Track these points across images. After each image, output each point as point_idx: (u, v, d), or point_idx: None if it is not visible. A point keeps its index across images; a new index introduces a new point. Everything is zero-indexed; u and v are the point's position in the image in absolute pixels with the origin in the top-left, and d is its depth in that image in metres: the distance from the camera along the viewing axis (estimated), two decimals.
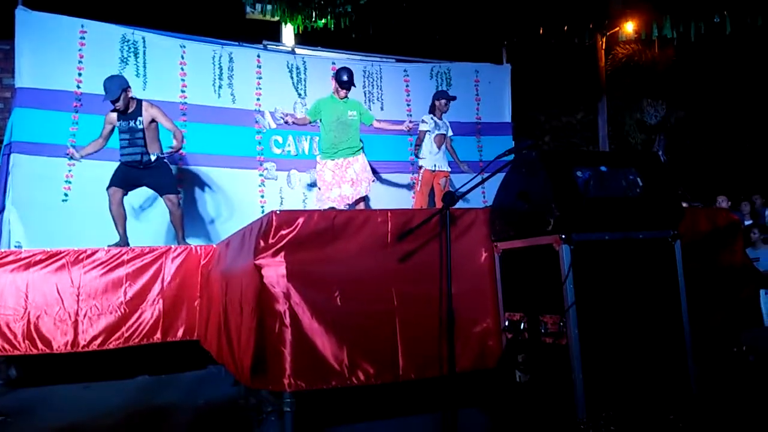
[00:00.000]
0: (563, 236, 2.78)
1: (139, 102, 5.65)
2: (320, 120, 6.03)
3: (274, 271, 2.98)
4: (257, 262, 2.99)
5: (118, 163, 5.74)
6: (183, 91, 7.16)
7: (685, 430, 2.80)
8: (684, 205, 7.18)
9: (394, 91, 7.97)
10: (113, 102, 5.47)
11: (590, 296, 2.80)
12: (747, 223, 8.87)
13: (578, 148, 11.05)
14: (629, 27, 8.87)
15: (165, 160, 5.74)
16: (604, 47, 10.12)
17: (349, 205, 5.89)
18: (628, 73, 10.81)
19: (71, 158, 5.89)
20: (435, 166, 6.48)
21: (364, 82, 7.97)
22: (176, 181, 6.31)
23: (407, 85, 8.16)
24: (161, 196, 5.76)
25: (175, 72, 7.17)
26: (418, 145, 6.63)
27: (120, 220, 5.57)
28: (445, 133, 6.59)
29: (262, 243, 3.02)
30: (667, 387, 2.87)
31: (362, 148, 6.17)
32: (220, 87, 7.30)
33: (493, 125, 8.38)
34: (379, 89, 7.95)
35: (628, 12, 8.89)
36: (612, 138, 10.99)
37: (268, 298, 2.96)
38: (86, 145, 5.77)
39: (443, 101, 6.61)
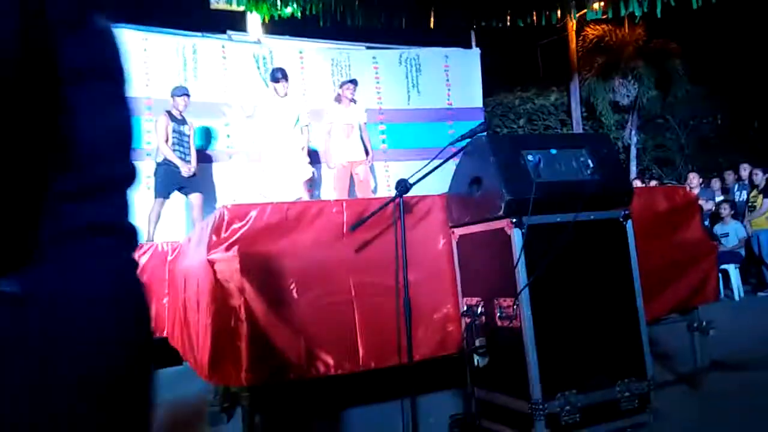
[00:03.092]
0: (514, 220, 2.78)
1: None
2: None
3: (228, 266, 2.95)
4: (210, 257, 2.96)
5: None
6: (147, 86, 7.05)
7: (640, 410, 2.84)
8: (653, 184, 7.25)
9: (364, 79, 7.90)
10: (182, 97, 6.08)
11: (544, 277, 2.80)
12: (718, 199, 8.97)
13: (553, 131, 11.10)
14: (597, 6, 8.85)
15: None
16: (574, 28, 10.13)
17: None
18: (599, 53, 10.82)
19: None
20: (344, 157, 6.44)
21: (332, 70, 7.92)
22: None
23: (377, 72, 8.10)
24: (188, 195, 6.13)
25: (138, 65, 7.05)
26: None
27: (154, 223, 5.95)
28: (351, 123, 6.52)
29: (214, 238, 2.99)
30: (622, 367, 2.90)
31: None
32: (185, 80, 7.19)
33: (465, 110, 8.36)
34: (348, 77, 7.88)
35: None
36: (586, 119, 11.04)
37: (222, 294, 2.93)
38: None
39: (344, 87, 6.62)
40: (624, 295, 2.96)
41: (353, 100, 6.66)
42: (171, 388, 4.50)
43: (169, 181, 6.04)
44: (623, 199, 3.03)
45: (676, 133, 11.26)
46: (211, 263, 2.96)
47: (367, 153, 6.70)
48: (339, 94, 6.75)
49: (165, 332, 4.82)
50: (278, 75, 6.20)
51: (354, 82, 6.72)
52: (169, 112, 6.10)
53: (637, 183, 7.84)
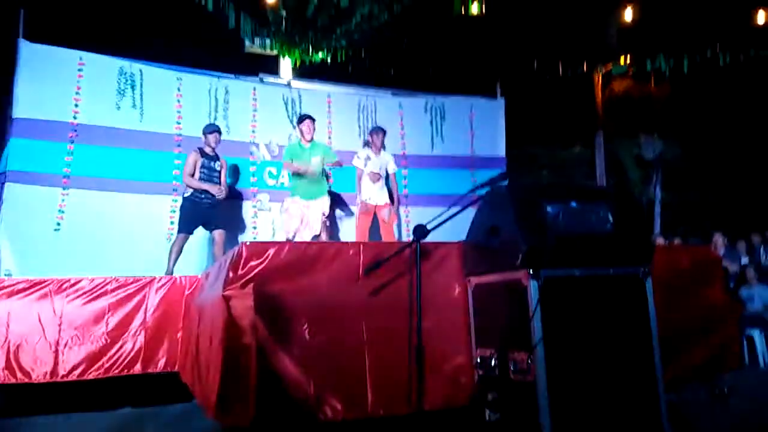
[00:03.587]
0: (531, 272, 2.75)
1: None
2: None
3: (242, 303, 2.96)
4: (225, 293, 2.98)
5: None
6: (179, 123, 7.24)
7: None
8: (677, 242, 7.14)
9: (389, 125, 8.00)
10: (213, 134, 6.21)
11: (560, 332, 2.75)
12: (744, 261, 8.77)
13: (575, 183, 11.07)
14: (624, 61, 8.94)
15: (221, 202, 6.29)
16: (600, 82, 10.21)
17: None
18: (624, 108, 10.86)
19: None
20: (370, 198, 6.54)
21: (359, 115, 8.05)
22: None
23: (401, 119, 8.22)
24: (212, 231, 6.16)
25: (171, 104, 7.26)
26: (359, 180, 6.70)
27: (174, 257, 5.95)
28: (378, 171, 6.61)
29: (231, 274, 3.01)
30: (639, 425, 2.80)
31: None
32: (215, 119, 7.36)
33: (487, 159, 8.39)
34: (373, 122, 8.00)
35: (622, 46, 8.98)
36: (610, 173, 11.00)
37: (235, 331, 2.93)
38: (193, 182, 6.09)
39: (374, 135, 6.76)
40: (642, 354, 2.88)
41: (383, 147, 6.78)
42: (177, 426, 4.47)
43: (193, 216, 6.09)
44: (644, 255, 2.98)
45: (701, 190, 11.15)
46: (226, 299, 2.98)
47: (392, 200, 6.79)
48: (368, 140, 6.88)
49: (176, 366, 4.82)
50: (303, 118, 6.36)
51: (383, 130, 6.84)
52: (200, 149, 6.24)
53: (660, 240, 7.71)
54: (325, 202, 6.29)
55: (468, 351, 3.24)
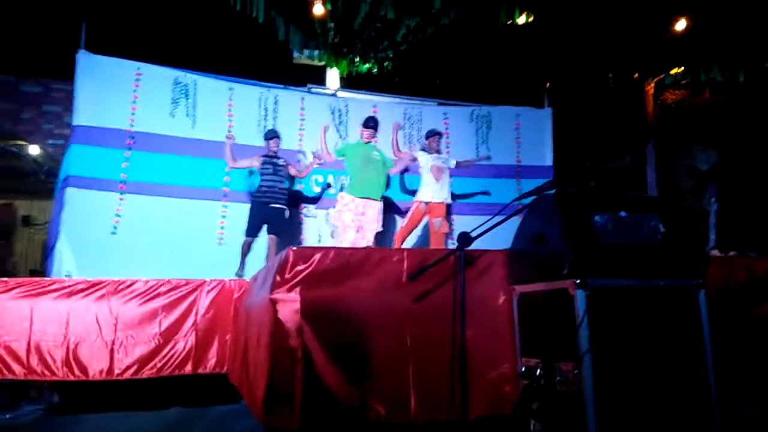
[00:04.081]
0: (578, 281, 2.72)
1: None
2: (346, 161, 6.45)
3: (289, 307, 3.02)
4: (273, 296, 3.05)
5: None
6: (229, 131, 7.44)
7: None
8: (733, 254, 6.88)
9: None
10: (273, 139, 6.68)
11: (608, 344, 2.71)
12: None
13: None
14: (676, 71, 8.71)
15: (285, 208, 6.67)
16: (652, 92, 9.96)
17: None
18: (677, 118, 10.57)
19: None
20: (429, 197, 6.55)
21: (405, 124, 8.10)
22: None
23: (447, 128, 8.23)
24: (269, 234, 6.45)
25: (222, 113, 7.49)
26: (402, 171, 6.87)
27: (242, 259, 6.36)
28: (442, 164, 6.67)
29: (278, 278, 3.08)
30: None
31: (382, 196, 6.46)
32: (264, 127, 7.55)
33: (534, 168, 8.31)
34: (418, 131, 8.05)
35: (675, 56, 8.75)
36: (661, 184, 10.70)
37: (281, 334, 3.00)
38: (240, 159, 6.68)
39: (431, 139, 6.87)
40: (695, 368, 2.80)
41: (438, 151, 6.85)
42: (224, 426, 4.57)
43: (258, 218, 6.42)
44: (697, 267, 2.90)
45: (759, 201, 10.71)
46: (273, 302, 3.05)
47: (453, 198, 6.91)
48: (425, 145, 6.95)
49: (225, 368, 4.94)
50: (371, 123, 6.46)
51: (439, 133, 6.93)
52: (265, 155, 6.64)
53: (716, 252, 7.43)
54: (379, 207, 6.33)
55: (512, 360, 3.21)
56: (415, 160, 6.80)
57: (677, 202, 3.29)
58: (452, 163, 6.95)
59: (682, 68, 8.74)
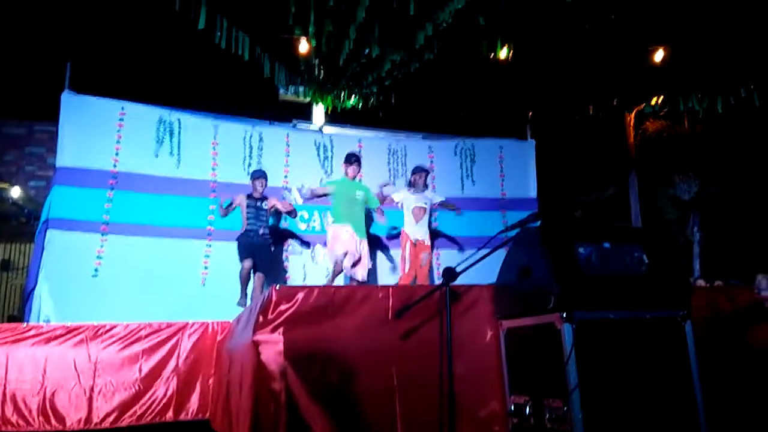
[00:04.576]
0: (564, 315, 2.68)
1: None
2: (332, 198, 6.37)
3: (272, 349, 2.95)
4: (255, 338, 2.98)
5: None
6: (213, 170, 7.42)
7: None
8: (718, 283, 6.89)
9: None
10: (258, 179, 6.56)
11: (597, 378, 2.66)
12: None
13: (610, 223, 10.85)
14: (655, 101, 8.85)
15: (271, 245, 6.62)
16: (632, 123, 10.12)
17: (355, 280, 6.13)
18: (658, 148, 10.71)
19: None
20: (414, 236, 6.53)
21: (389, 159, 8.13)
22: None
23: (432, 161, 8.26)
24: (254, 273, 6.29)
25: (207, 151, 7.47)
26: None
27: (244, 282, 6.25)
28: (423, 205, 6.63)
29: (261, 319, 3.02)
30: None
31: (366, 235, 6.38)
32: (249, 165, 7.53)
33: (519, 200, 8.34)
34: (403, 165, 8.08)
35: (653, 87, 8.92)
36: (645, 214, 10.77)
37: (264, 377, 2.91)
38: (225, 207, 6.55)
39: (416, 176, 6.80)
40: (684, 400, 2.74)
41: (426, 186, 6.83)
42: None
43: (248, 248, 6.29)
44: (681, 298, 2.88)
45: (741, 230, 10.79)
46: (256, 344, 2.97)
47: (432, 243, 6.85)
48: (411, 181, 6.92)
49: (208, 413, 4.80)
50: (352, 159, 6.42)
51: (425, 170, 6.88)
52: (248, 194, 6.54)
53: (701, 282, 7.44)
54: (365, 244, 6.27)
55: (501, 397, 3.14)
56: (400, 203, 6.75)
57: (660, 232, 3.28)
58: (437, 200, 6.91)
59: (662, 98, 8.87)
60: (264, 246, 6.45)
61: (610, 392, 2.66)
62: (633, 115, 10.25)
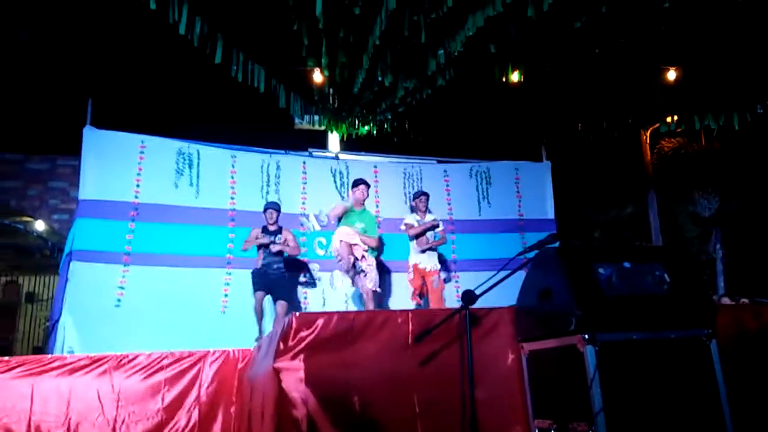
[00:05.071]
0: (587, 336, 2.66)
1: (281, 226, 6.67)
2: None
3: (293, 376, 2.96)
4: (276, 365, 2.99)
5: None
6: (232, 198, 7.52)
7: None
8: (744, 301, 6.77)
9: (435, 191, 8.09)
10: (267, 211, 6.60)
11: (622, 400, 2.62)
12: None
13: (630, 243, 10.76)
14: (671, 119, 8.84)
15: (286, 274, 6.59)
16: (648, 141, 10.09)
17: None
18: (676, 165, 10.65)
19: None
20: (420, 263, 6.49)
21: (404, 183, 8.18)
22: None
23: (447, 185, 8.30)
24: (276, 301, 6.31)
25: (225, 181, 7.58)
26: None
27: (259, 316, 6.20)
28: (427, 234, 6.58)
29: (281, 346, 3.03)
30: None
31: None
32: (267, 193, 7.63)
33: (536, 222, 8.31)
34: (419, 189, 8.10)
35: (668, 105, 8.91)
36: (665, 231, 10.66)
37: (285, 404, 2.92)
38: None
39: (417, 200, 6.78)
40: (711, 422, 2.69)
41: (428, 211, 6.81)
42: None
43: (263, 281, 6.30)
44: (705, 316, 2.84)
45: (766, 246, 10.62)
46: (277, 371, 2.98)
47: (442, 264, 6.79)
48: (413, 206, 6.93)
49: None
50: (359, 182, 6.45)
51: (425, 194, 6.88)
52: (264, 226, 6.56)
53: (726, 300, 7.30)
54: (372, 259, 6.20)
55: (525, 422, 3.10)
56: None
57: (681, 250, 3.25)
58: (440, 228, 6.77)
59: (676, 117, 8.85)
60: (280, 278, 6.43)
61: (636, 415, 2.62)
62: (648, 133, 10.23)
